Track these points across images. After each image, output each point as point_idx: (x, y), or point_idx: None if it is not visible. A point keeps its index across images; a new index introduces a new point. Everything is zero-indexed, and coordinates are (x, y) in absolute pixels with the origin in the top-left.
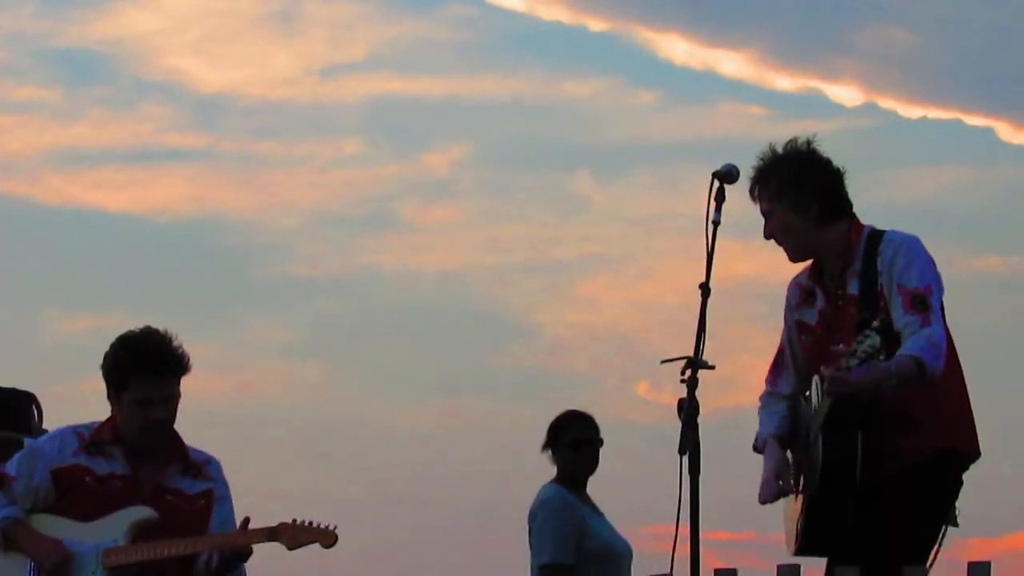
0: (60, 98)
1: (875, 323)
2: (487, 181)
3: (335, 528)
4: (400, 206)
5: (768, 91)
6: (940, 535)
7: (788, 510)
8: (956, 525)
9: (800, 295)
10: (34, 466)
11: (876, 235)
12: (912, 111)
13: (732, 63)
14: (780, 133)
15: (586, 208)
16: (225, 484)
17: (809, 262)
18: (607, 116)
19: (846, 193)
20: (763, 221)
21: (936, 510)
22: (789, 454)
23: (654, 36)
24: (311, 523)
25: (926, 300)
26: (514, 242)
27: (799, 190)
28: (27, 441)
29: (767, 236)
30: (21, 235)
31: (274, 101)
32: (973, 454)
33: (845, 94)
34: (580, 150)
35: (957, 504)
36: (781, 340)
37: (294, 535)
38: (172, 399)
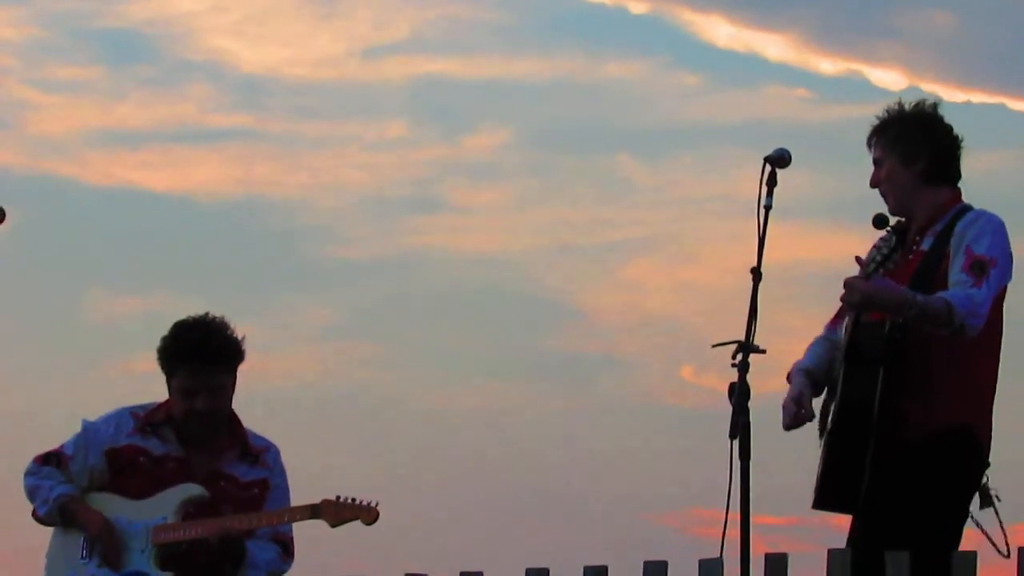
0: (103, 78)
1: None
2: (531, 163)
3: (377, 505)
4: (444, 188)
5: (812, 74)
6: (963, 515)
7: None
8: (991, 505)
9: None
10: (89, 446)
11: (967, 208)
12: (955, 95)
13: (775, 46)
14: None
15: (630, 191)
16: (282, 472)
17: None
18: (650, 98)
19: (957, 163)
20: (870, 171)
21: (952, 486)
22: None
23: (697, 18)
24: (353, 500)
25: (985, 267)
26: (558, 224)
27: (912, 144)
28: (83, 421)
29: (873, 185)
30: (65, 215)
31: (317, 82)
32: (985, 440)
33: (888, 78)
34: (623, 132)
35: (992, 486)
36: None
37: (336, 512)
38: (219, 389)
